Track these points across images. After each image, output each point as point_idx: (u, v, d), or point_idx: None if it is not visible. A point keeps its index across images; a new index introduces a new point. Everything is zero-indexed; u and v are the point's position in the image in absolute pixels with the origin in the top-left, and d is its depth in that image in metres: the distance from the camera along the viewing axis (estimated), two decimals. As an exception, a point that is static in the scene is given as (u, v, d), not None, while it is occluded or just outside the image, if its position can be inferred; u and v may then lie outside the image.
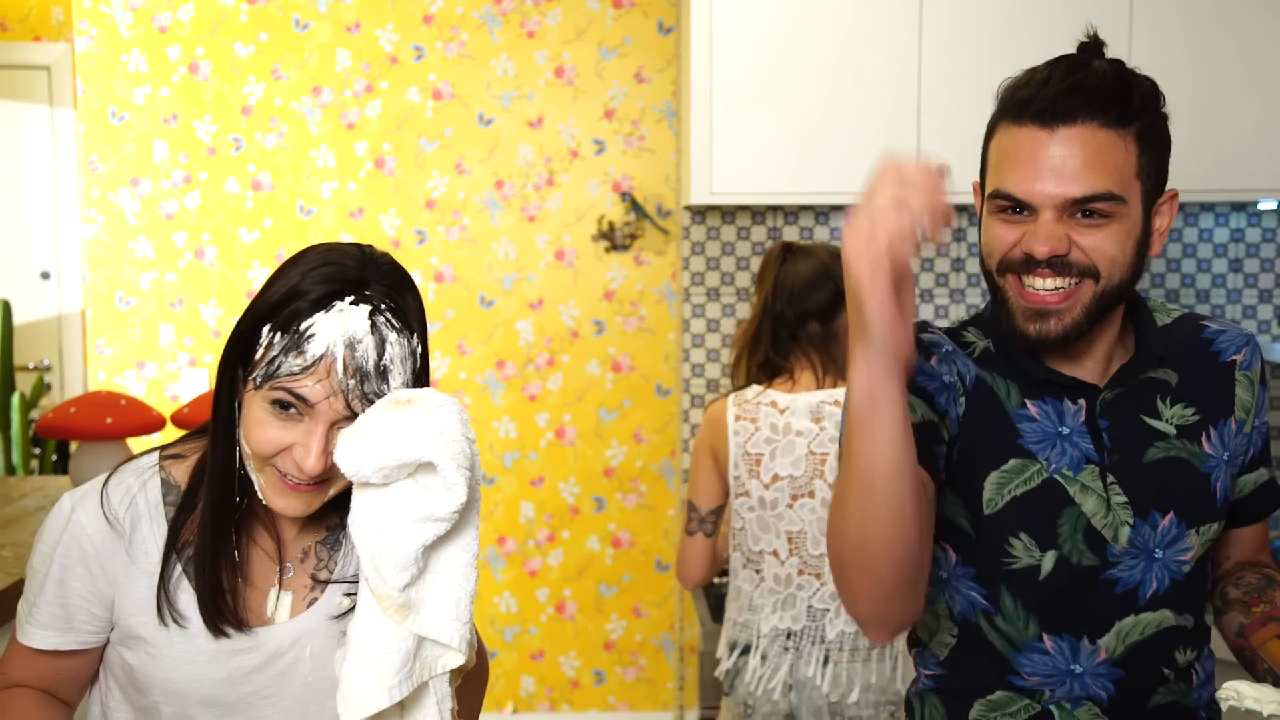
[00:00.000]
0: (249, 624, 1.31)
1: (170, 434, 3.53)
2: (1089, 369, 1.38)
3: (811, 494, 2.30)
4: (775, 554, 2.31)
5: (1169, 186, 1.39)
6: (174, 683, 1.29)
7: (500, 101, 3.62)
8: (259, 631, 1.31)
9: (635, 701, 3.74)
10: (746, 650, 2.32)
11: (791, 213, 3.38)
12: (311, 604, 1.34)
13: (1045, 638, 1.36)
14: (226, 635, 1.29)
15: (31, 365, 4.40)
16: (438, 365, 3.62)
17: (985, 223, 1.36)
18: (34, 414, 3.97)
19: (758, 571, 2.33)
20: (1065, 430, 1.36)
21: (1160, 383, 1.39)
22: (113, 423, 2.53)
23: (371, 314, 1.22)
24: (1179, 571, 1.35)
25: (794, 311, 2.32)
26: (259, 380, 1.22)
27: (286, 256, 1.33)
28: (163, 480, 1.33)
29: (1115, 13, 2.97)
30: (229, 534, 1.30)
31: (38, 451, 3.91)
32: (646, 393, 3.67)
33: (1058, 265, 1.29)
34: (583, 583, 3.72)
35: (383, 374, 1.22)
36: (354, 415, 1.21)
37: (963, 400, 1.38)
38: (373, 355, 1.21)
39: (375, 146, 3.62)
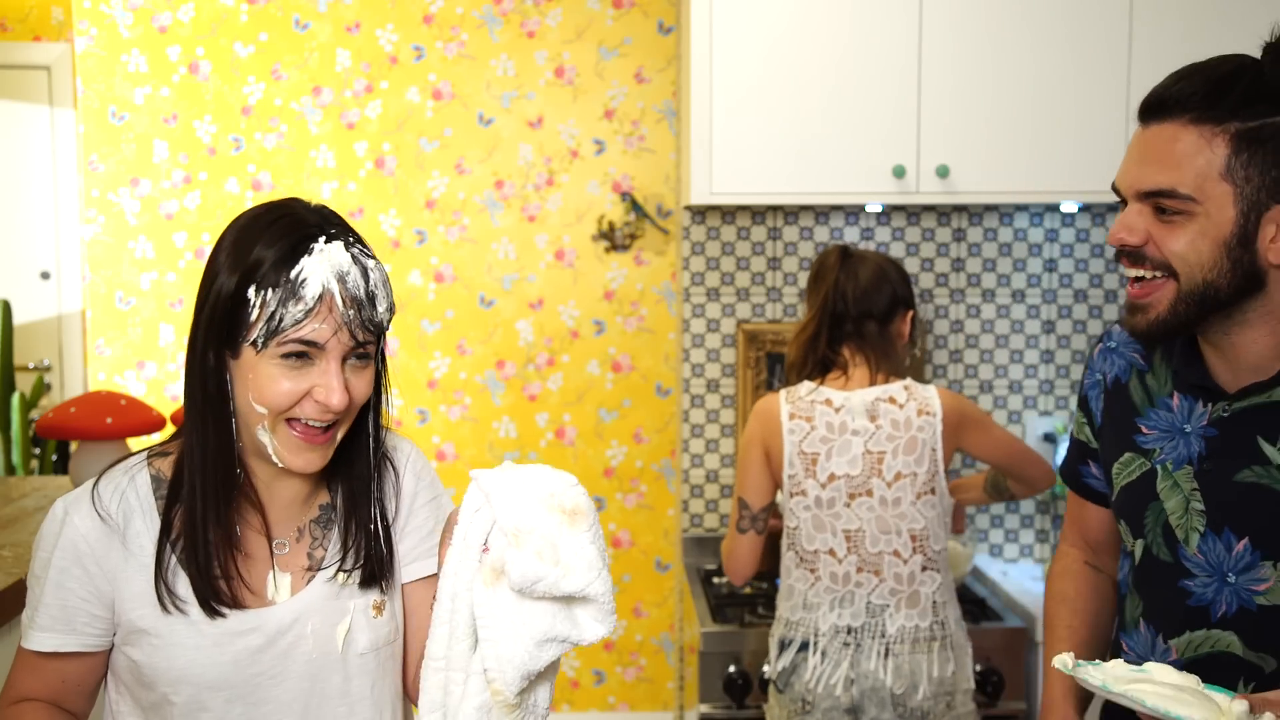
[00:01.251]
0: (248, 604, 1.33)
1: (170, 434, 3.53)
2: (1237, 375, 1.37)
3: (869, 493, 2.32)
4: (832, 553, 2.33)
5: None
6: (180, 669, 1.31)
7: (500, 101, 3.62)
8: (260, 612, 1.34)
9: (635, 701, 3.74)
10: (804, 647, 2.33)
11: (791, 213, 3.38)
12: (309, 582, 1.37)
13: (1142, 622, 1.45)
14: (222, 615, 1.31)
15: (31, 365, 4.40)
16: (438, 365, 3.62)
17: None
18: (34, 414, 3.97)
19: (812, 571, 2.35)
20: (1188, 429, 1.41)
21: None
22: (113, 423, 2.53)
23: (346, 247, 1.29)
24: (1250, 601, 1.35)
25: (856, 310, 2.39)
26: (261, 341, 1.26)
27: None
28: (151, 476, 1.36)
29: (1115, 13, 2.97)
30: (227, 513, 1.32)
31: (38, 451, 3.91)
32: (646, 393, 3.67)
33: (1133, 255, 1.33)
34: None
35: (372, 300, 1.29)
36: (359, 344, 1.29)
37: (1102, 397, 1.52)
38: (361, 283, 1.29)
39: (375, 146, 3.62)
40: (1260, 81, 1.28)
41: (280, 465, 1.32)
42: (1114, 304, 3.40)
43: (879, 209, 3.36)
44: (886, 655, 2.29)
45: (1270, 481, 1.33)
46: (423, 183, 3.63)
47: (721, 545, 2.57)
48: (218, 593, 1.31)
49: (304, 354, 1.26)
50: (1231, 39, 3.02)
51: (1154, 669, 1.26)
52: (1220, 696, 1.21)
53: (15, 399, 3.81)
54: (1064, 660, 1.26)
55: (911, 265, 3.38)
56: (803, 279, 3.40)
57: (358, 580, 1.39)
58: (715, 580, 3.21)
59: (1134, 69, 2.97)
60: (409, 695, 1.48)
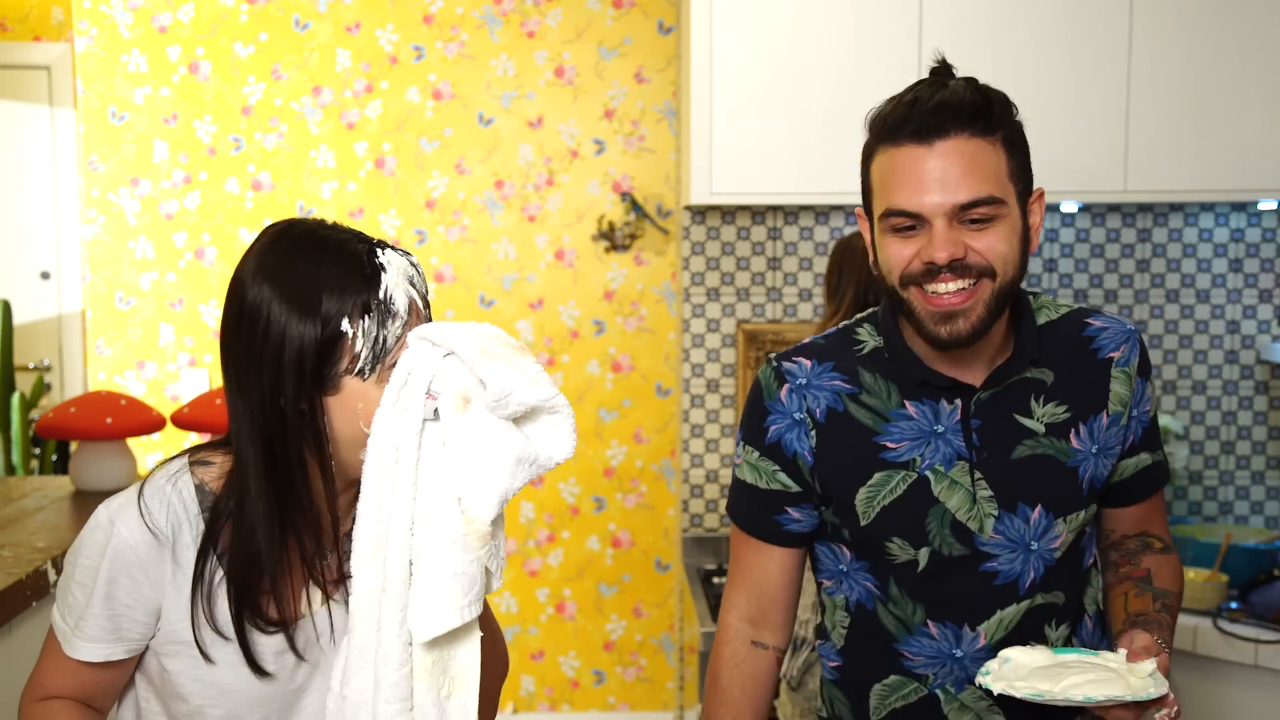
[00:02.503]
0: (286, 619, 1.33)
1: (170, 434, 3.54)
2: (974, 370, 1.47)
3: None
4: None
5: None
6: (223, 685, 1.31)
7: (500, 101, 3.62)
8: (295, 626, 1.33)
9: (635, 701, 3.74)
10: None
11: (791, 213, 3.38)
12: (338, 593, 1.36)
13: (930, 624, 1.48)
14: (268, 674, 1.31)
15: (31, 365, 4.40)
16: (438, 365, 3.62)
17: (879, 243, 1.45)
18: (34, 414, 3.97)
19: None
20: (940, 429, 1.47)
21: (1035, 382, 1.48)
22: (113, 423, 2.53)
23: (384, 247, 1.30)
24: (1051, 558, 1.47)
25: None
26: (368, 368, 1.25)
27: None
28: (196, 486, 1.33)
29: (1115, 13, 2.97)
30: (293, 531, 1.31)
31: (38, 451, 3.91)
32: (646, 393, 3.67)
33: (958, 268, 1.38)
34: (583, 583, 3.72)
35: (425, 295, 1.32)
36: None
37: (813, 433, 1.50)
38: (420, 280, 1.30)
39: (375, 146, 3.62)
40: (996, 97, 1.44)
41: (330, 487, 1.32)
42: (1114, 304, 3.40)
43: (879, 209, 3.36)
44: None
45: (1043, 449, 1.46)
46: (423, 183, 3.63)
47: None
48: (257, 621, 1.30)
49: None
50: (1231, 39, 3.02)
51: (1012, 654, 1.39)
52: (1091, 658, 1.36)
53: (15, 399, 3.81)
54: (999, 685, 1.34)
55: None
56: (803, 279, 3.40)
57: None
58: (715, 580, 3.21)
59: (1134, 69, 2.97)
60: None
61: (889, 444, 1.47)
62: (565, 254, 3.65)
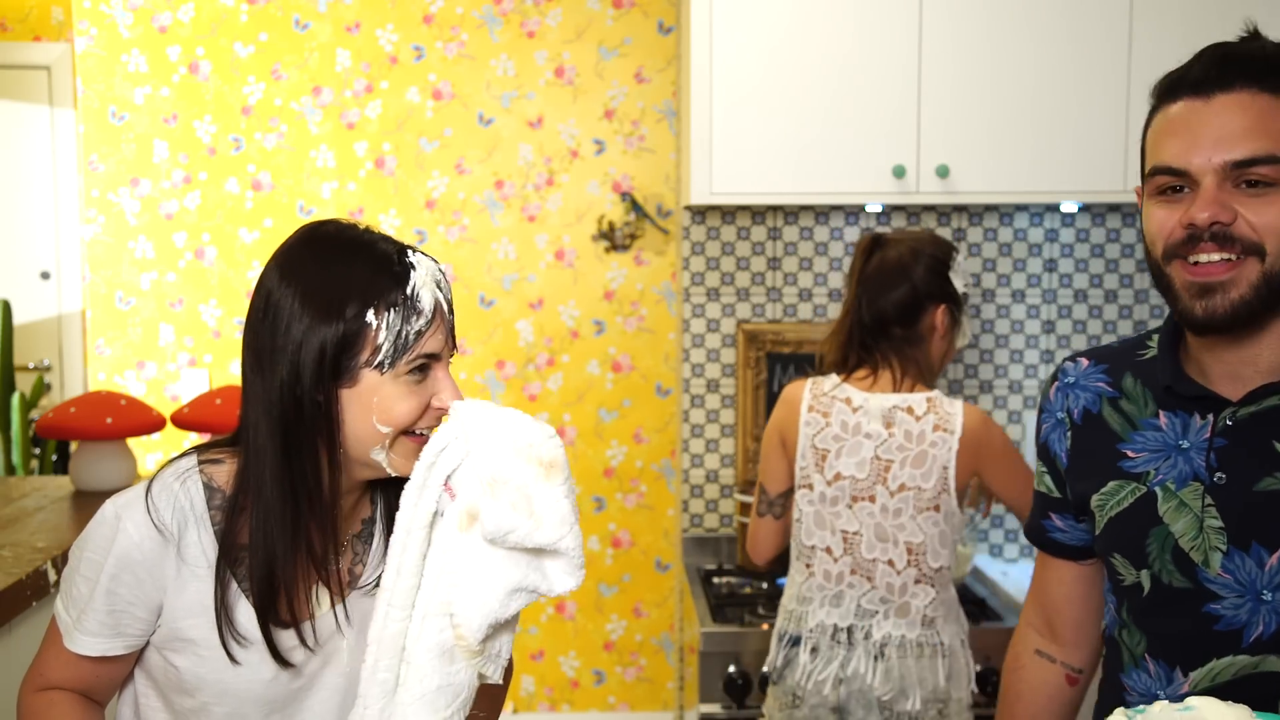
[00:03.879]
0: (297, 619, 1.33)
1: (170, 434, 3.54)
2: (1238, 385, 1.31)
3: (872, 498, 2.28)
4: (829, 550, 2.32)
5: None
6: (228, 683, 1.32)
7: (500, 101, 3.62)
8: (304, 626, 1.34)
9: (635, 701, 3.74)
10: (796, 642, 2.34)
11: (791, 213, 3.38)
12: (347, 596, 1.37)
13: (1148, 659, 1.36)
14: (291, 666, 1.32)
15: (31, 365, 4.40)
16: (438, 365, 3.62)
17: (1146, 212, 1.30)
18: (34, 414, 3.97)
19: (808, 565, 2.35)
20: (1185, 444, 1.32)
21: None
22: (113, 423, 2.53)
23: (414, 251, 1.31)
24: None
25: (870, 314, 2.33)
26: (388, 362, 1.26)
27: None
28: (204, 484, 1.34)
29: (1115, 13, 2.97)
30: (308, 531, 1.31)
31: (38, 451, 3.90)
32: (646, 393, 3.67)
33: (1221, 237, 1.23)
34: (583, 582, 3.71)
35: (450, 301, 1.33)
36: (454, 346, 1.34)
37: (1069, 435, 1.43)
38: (447, 286, 1.32)
39: (375, 146, 3.62)
40: None
41: (392, 473, 1.32)
42: (1113, 304, 3.40)
43: (879, 209, 3.36)
44: (877, 659, 2.28)
45: None
46: (423, 183, 3.63)
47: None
48: (278, 621, 1.31)
49: (424, 367, 1.29)
50: (1231, 39, 3.02)
51: (1201, 705, 1.14)
52: None
53: (15, 399, 3.81)
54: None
55: (911, 265, 3.38)
56: (803, 279, 3.40)
57: (380, 575, 1.39)
58: (715, 580, 3.21)
59: (1134, 69, 2.97)
60: None
61: (1130, 453, 1.36)
62: (565, 254, 3.65)
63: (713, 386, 3.42)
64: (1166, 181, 1.27)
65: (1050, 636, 1.55)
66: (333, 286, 1.26)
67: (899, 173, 2.97)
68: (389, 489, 1.41)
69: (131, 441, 2.62)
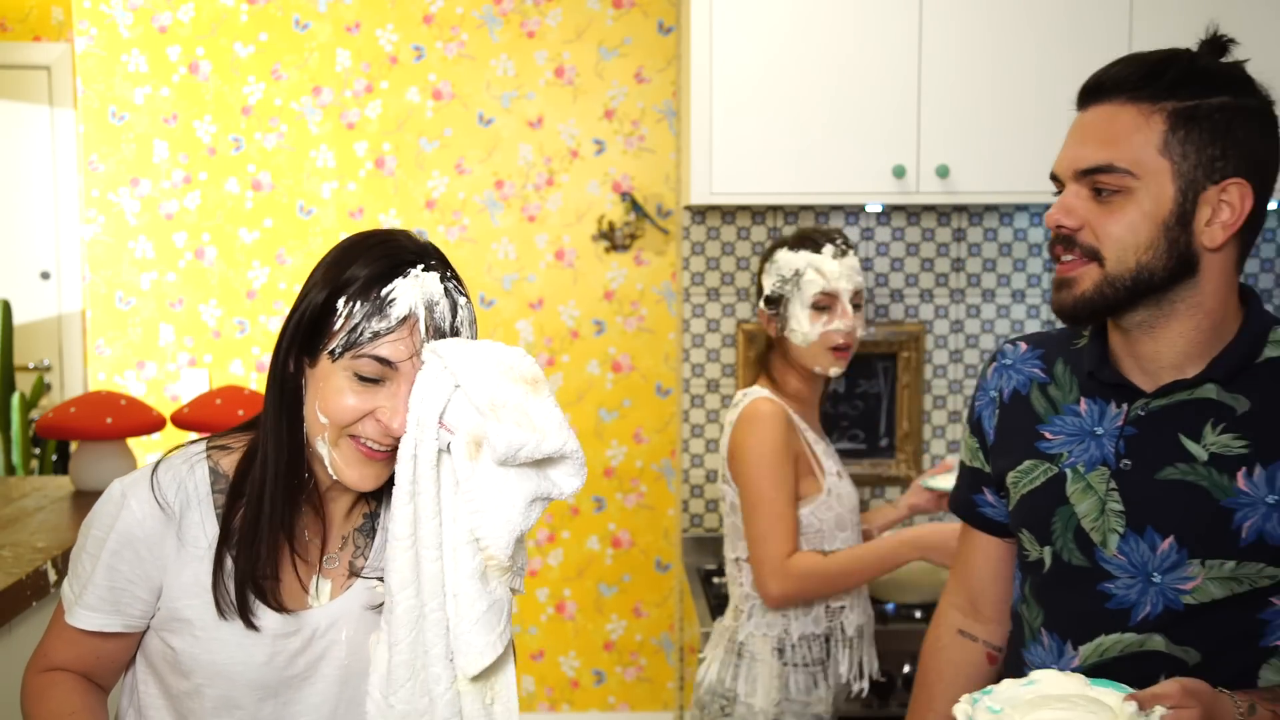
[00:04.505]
0: (290, 608, 1.35)
1: (170, 434, 3.54)
2: (1153, 374, 1.36)
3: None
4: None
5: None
6: (220, 664, 1.33)
7: (500, 101, 3.62)
8: (300, 615, 1.35)
9: (635, 701, 3.74)
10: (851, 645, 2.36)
11: (791, 213, 3.38)
12: (347, 589, 1.38)
13: (1044, 632, 1.41)
14: (255, 629, 1.33)
15: (31, 365, 4.40)
16: (438, 365, 3.62)
17: None
18: (34, 414, 3.97)
19: None
20: (1099, 430, 1.39)
21: (1221, 407, 1.33)
22: (113, 423, 2.53)
23: (441, 279, 1.32)
24: (1177, 600, 1.32)
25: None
26: (337, 351, 1.27)
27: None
28: (211, 468, 1.36)
29: (1115, 13, 2.97)
30: (291, 519, 1.34)
31: (38, 451, 3.90)
32: (646, 393, 3.67)
33: (1066, 241, 1.33)
34: (583, 583, 3.72)
35: (456, 333, 1.32)
36: None
37: (997, 413, 1.49)
38: (448, 316, 1.31)
39: (375, 146, 3.62)
40: (1193, 66, 1.32)
41: (335, 476, 1.32)
42: (1114, 304, 3.40)
43: (879, 209, 3.36)
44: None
45: (1196, 479, 1.31)
46: (423, 183, 3.63)
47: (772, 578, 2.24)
48: (263, 594, 1.32)
49: (376, 377, 1.27)
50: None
51: (1041, 677, 1.24)
52: (1108, 693, 1.20)
53: (15, 399, 3.81)
54: (964, 710, 1.21)
55: (911, 265, 3.38)
56: (803, 279, 3.41)
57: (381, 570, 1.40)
58: (715, 580, 3.21)
59: (1134, 69, 2.97)
60: None
61: (1047, 434, 1.42)
62: (565, 254, 3.65)
63: (713, 386, 3.42)
64: (1056, 186, 1.39)
65: (973, 615, 1.58)
66: (335, 266, 1.30)
67: (899, 173, 2.97)
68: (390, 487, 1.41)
69: (131, 441, 2.62)
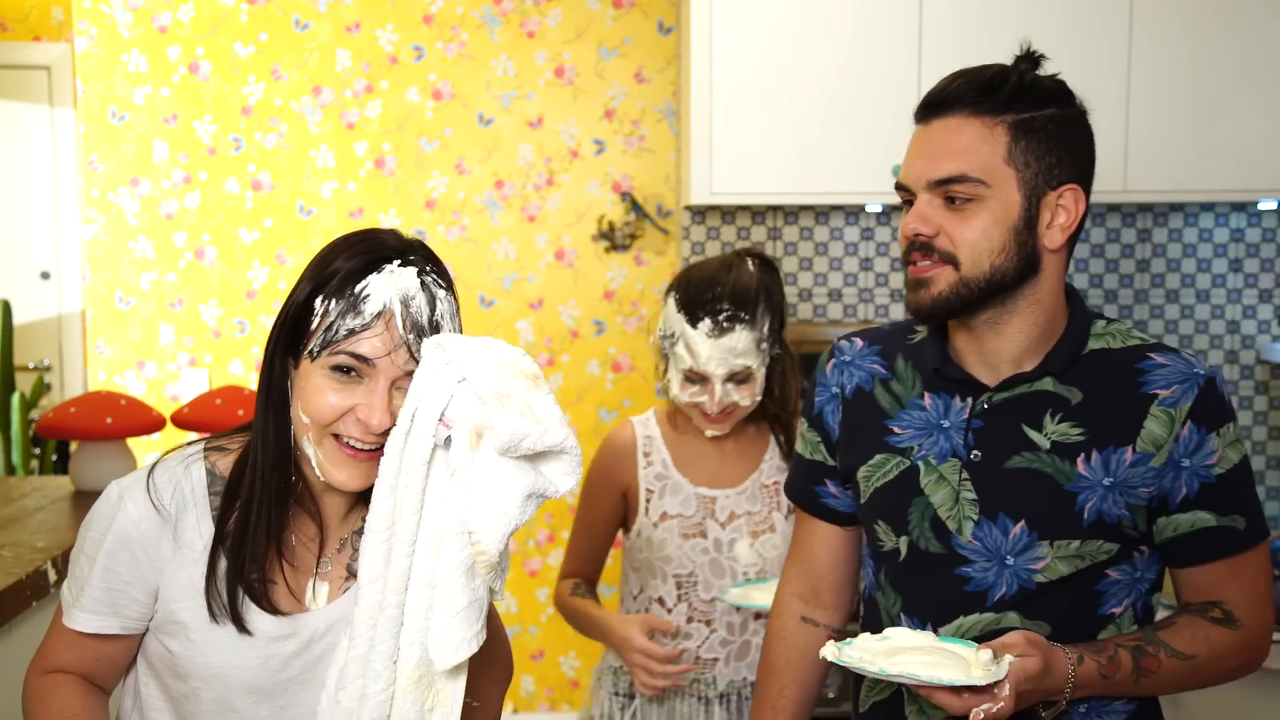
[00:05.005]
0: (286, 610, 1.34)
1: (170, 434, 3.54)
2: (995, 369, 1.45)
3: (703, 534, 2.03)
4: (661, 601, 2.07)
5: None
6: (215, 667, 1.33)
7: (500, 101, 3.62)
8: (297, 618, 1.34)
9: (635, 701, 3.74)
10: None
11: (791, 213, 3.38)
12: (345, 592, 1.38)
13: (904, 618, 1.49)
14: (249, 634, 1.32)
15: (31, 365, 4.40)
16: (438, 365, 3.62)
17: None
18: (34, 414, 3.97)
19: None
20: (946, 424, 1.46)
21: (1056, 398, 1.43)
22: (113, 423, 2.53)
23: (419, 274, 1.30)
24: (1029, 580, 1.41)
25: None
26: (316, 350, 1.28)
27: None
28: (207, 470, 1.36)
29: (1115, 13, 2.97)
30: (280, 521, 1.33)
31: (38, 451, 3.90)
32: (646, 393, 3.67)
33: (924, 247, 1.40)
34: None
35: (435, 329, 1.30)
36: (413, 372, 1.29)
37: (840, 409, 1.56)
38: (426, 310, 1.29)
39: (375, 146, 3.62)
40: (1024, 80, 1.40)
41: (322, 477, 1.31)
42: (1113, 304, 3.40)
43: (879, 209, 3.36)
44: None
45: (1040, 465, 1.41)
46: (423, 183, 3.63)
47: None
48: (255, 596, 1.32)
49: (353, 369, 1.27)
50: (1231, 39, 3.02)
51: (894, 633, 1.37)
52: (960, 648, 1.32)
53: (15, 399, 3.81)
54: (831, 650, 1.34)
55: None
56: (803, 279, 3.40)
57: None
58: (715, 580, 3.20)
59: (1134, 69, 2.97)
60: None
61: (896, 429, 1.49)
62: (565, 254, 3.65)
63: (713, 386, 3.42)
64: (903, 196, 1.45)
65: (814, 601, 1.64)
66: (318, 265, 1.31)
67: (898, 173, 2.97)
68: None
69: (131, 441, 2.62)
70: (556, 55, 3.61)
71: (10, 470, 3.80)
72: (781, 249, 3.39)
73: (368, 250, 1.30)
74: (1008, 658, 1.27)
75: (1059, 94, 1.42)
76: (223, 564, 1.32)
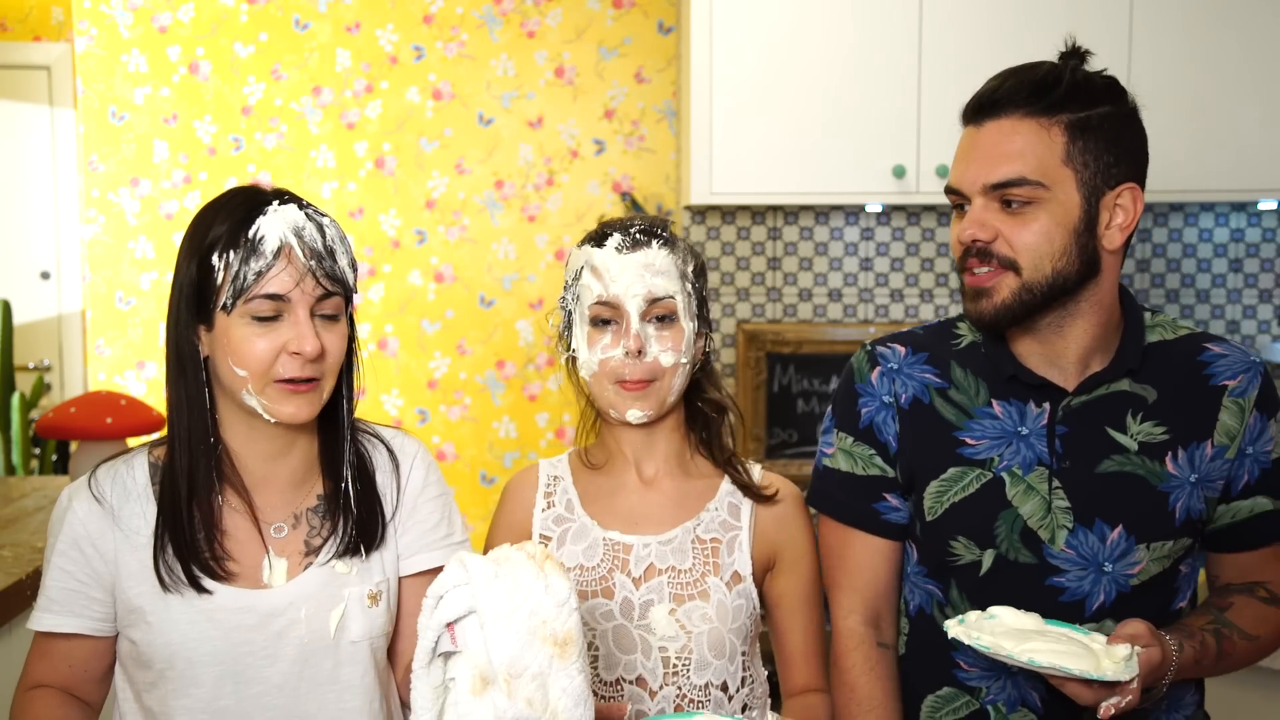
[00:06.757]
0: (241, 584, 1.37)
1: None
2: (1067, 374, 1.42)
3: (609, 592, 1.56)
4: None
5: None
6: (175, 644, 1.35)
7: (500, 101, 3.62)
8: (255, 593, 1.37)
9: (635, 701, 3.74)
10: None
11: (791, 213, 3.38)
12: (306, 568, 1.40)
13: None
14: (208, 591, 1.35)
15: (31, 365, 4.40)
16: (438, 365, 3.62)
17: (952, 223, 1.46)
18: (34, 414, 3.97)
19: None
20: (1024, 431, 1.42)
21: (1135, 398, 1.41)
22: (113, 423, 2.53)
23: (300, 208, 1.34)
24: (1126, 584, 1.39)
25: None
26: (229, 303, 1.31)
27: None
28: (150, 463, 1.41)
29: (1115, 13, 2.97)
30: (207, 489, 1.36)
31: (38, 451, 3.91)
32: (646, 393, 3.67)
33: (982, 253, 1.36)
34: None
35: (331, 253, 1.34)
36: (326, 294, 1.33)
37: (896, 419, 1.47)
38: (318, 237, 1.33)
39: (375, 146, 3.62)
40: (1076, 78, 1.38)
41: (272, 420, 1.34)
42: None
43: (879, 209, 3.36)
44: None
45: (1132, 468, 1.39)
46: (423, 183, 3.63)
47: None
48: (203, 565, 1.35)
49: (273, 314, 1.31)
50: (1231, 40, 3.02)
51: (1000, 612, 1.33)
52: (1072, 632, 1.30)
53: (15, 399, 3.81)
54: (961, 631, 1.30)
55: (911, 265, 3.38)
56: (803, 279, 3.40)
57: (340, 550, 1.41)
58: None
59: (1134, 69, 2.97)
60: (399, 690, 1.49)
61: (969, 440, 1.43)
62: (565, 254, 3.65)
63: (713, 386, 3.41)
64: (954, 200, 1.41)
65: (876, 624, 1.52)
66: (195, 233, 1.33)
67: (899, 173, 2.97)
68: (334, 457, 1.43)
69: (131, 442, 2.62)
70: (556, 55, 3.61)
71: (10, 470, 3.80)
72: (781, 249, 3.39)
73: (244, 201, 1.33)
74: (1135, 649, 1.26)
75: (1112, 91, 1.39)
76: (168, 538, 1.35)
